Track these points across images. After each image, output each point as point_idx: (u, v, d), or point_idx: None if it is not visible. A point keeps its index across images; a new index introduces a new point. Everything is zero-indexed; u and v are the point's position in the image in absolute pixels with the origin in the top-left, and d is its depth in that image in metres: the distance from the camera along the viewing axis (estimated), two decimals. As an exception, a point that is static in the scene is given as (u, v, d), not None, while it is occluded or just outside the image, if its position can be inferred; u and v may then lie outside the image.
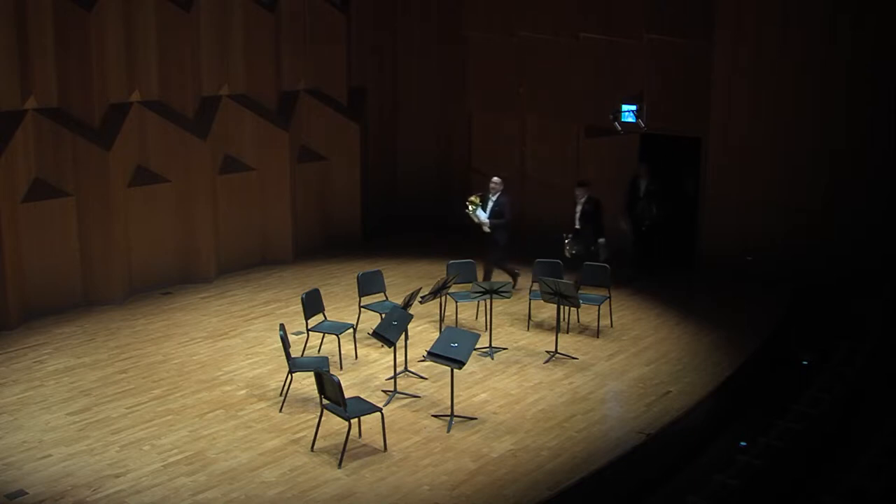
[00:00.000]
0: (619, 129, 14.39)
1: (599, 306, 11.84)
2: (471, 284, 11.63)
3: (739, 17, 13.54)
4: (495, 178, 12.91)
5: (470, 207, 12.76)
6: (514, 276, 13.16)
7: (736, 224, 13.85)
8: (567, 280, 11.39)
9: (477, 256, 12.82)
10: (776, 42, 13.31)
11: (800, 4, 13.13)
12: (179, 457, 8.58)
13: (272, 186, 14.45)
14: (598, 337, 11.68)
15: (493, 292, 11.11)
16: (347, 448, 8.57)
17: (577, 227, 13.02)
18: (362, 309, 11.64)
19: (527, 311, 12.23)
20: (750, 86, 13.58)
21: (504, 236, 12.85)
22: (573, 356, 11.04)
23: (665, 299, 13.13)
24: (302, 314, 10.80)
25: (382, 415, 8.84)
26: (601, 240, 12.87)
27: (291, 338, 10.78)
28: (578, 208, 13.09)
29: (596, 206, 13.02)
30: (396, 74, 16.74)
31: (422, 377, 10.35)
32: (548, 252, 12.56)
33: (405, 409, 9.62)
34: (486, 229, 12.81)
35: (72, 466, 8.37)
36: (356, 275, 11.83)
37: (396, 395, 9.84)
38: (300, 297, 10.84)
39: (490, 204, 12.80)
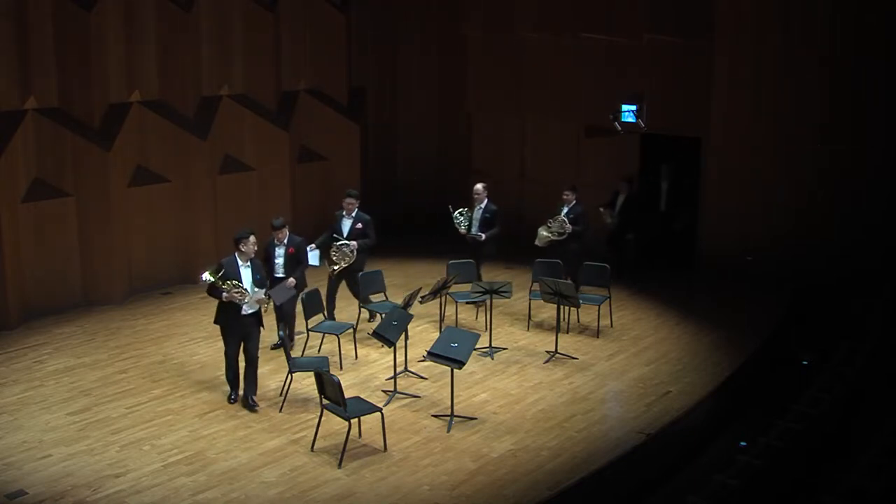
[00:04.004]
0: (619, 129, 14.39)
1: (599, 306, 11.84)
2: (471, 284, 11.63)
3: (739, 16, 13.55)
4: (250, 238, 9.41)
5: (214, 279, 9.21)
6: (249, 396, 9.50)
7: (736, 224, 13.86)
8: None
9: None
10: (776, 41, 13.31)
11: (800, 4, 13.14)
12: (179, 457, 8.58)
13: (272, 186, 14.44)
14: (598, 337, 11.68)
15: (493, 292, 11.11)
16: (347, 448, 8.56)
17: (280, 274, 10.56)
18: (362, 309, 11.64)
19: (527, 311, 12.23)
20: (750, 86, 13.58)
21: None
22: (573, 356, 11.04)
23: (665, 299, 13.13)
24: (302, 314, 10.79)
25: (382, 415, 8.83)
26: (291, 280, 10.51)
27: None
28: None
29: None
30: (396, 74, 16.73)
31: (422, 377, 10.34)
32: (547, 252, 12.55)
33: (405, 409, 9.61)
34: (251, 307, 9.34)
35: (72, 466, 8.36)
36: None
37: (396, 395, 9.83)
38: (300, 297, 10.83)
39: (249, 270, 9.41)
